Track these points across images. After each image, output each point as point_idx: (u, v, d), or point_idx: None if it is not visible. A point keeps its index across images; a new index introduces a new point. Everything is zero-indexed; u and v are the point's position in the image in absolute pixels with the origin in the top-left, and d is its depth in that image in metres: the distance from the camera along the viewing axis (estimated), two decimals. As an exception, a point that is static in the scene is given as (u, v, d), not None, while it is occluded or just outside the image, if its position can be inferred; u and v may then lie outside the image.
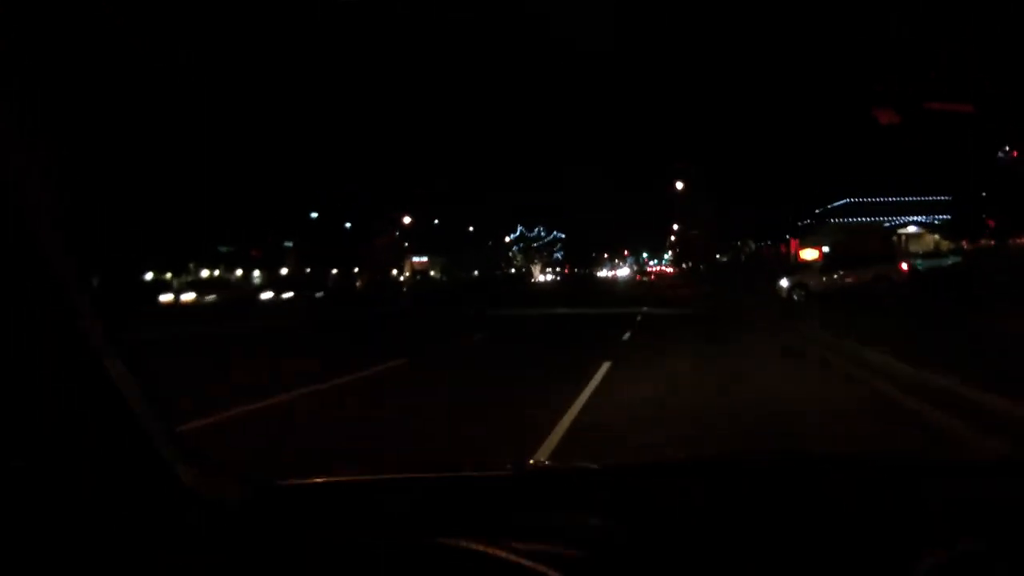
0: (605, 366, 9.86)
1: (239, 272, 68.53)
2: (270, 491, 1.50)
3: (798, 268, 31.48)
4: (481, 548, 1.18)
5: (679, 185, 65.15)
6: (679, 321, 19.46)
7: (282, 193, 63.24)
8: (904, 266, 24.89)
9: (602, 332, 16.43)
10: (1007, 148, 33.23)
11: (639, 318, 20.60)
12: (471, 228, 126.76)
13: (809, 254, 46.93)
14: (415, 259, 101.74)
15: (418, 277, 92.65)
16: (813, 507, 1.45)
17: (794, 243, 56.25)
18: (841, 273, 23.90)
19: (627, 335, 15.08)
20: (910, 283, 23.86)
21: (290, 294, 44.33)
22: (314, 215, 75.42)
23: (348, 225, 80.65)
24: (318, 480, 1.63)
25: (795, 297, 23.46)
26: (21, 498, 1.04)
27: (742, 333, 15.14)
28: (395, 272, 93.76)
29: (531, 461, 2.36)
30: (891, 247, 34.14)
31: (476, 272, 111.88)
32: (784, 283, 24.48)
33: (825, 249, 46.45)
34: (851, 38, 23.02)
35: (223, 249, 64.62)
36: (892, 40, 19.46)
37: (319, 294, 45.77)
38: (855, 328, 12.23)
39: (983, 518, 1.33)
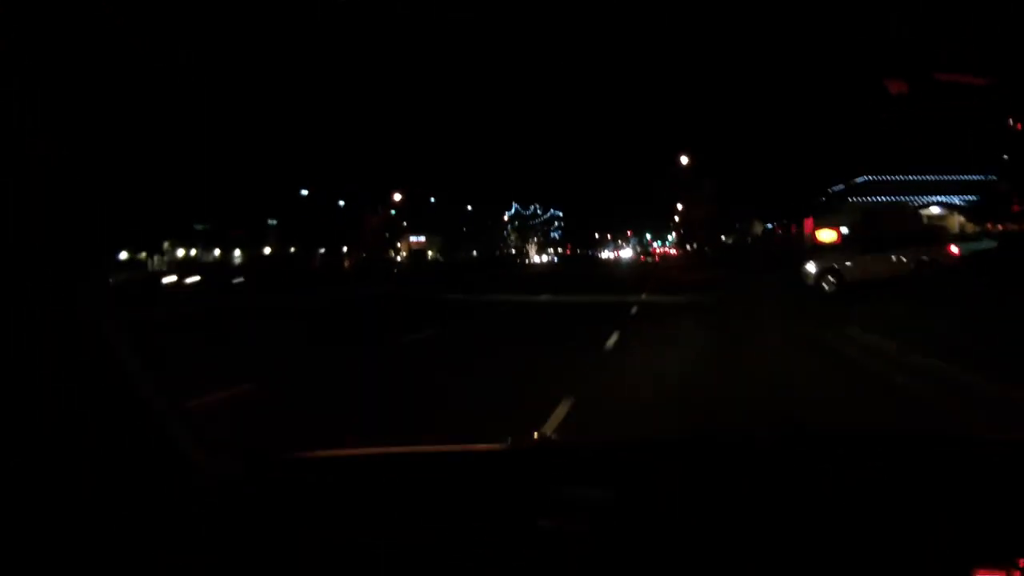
0: (563, 410, 5.89)
1: (217, 252, 64.58)
2: (272, 465, 1.51)
3: (823, 250, 27.37)
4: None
5: (684, 160, 60.74)
6: (683, 316, 15.28)
7: (267, 170, 59.55)
8: (954, 249, 20.75)
9: (584, 331, 12.48)
10: (1011, 120, 31.08)
11: (635, 310, 16.58)
12: (469, 207, 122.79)
13: (827, 235, 43.16)
14: (413, 239, 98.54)
15: (409, 258, 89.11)
16: (820, 484, 1.40)
17: (808, 223, 52.19)
18: (878, 256, 19.79)
19: (614, 338, 11.02)
20: (962, 268, 19.80)
21: (196, 278, 38.44)
22: (304, 192, 71.64)
23: (341, 203, 76.88)
24: (320, 453, 1.59)
25: (825, 286, 19.37)
26: (21, 495, 1.04)
27: (769, 336, 11.18)
28: (392, 252, 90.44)
29: (535, 434, 2.07)
30: (933, 227, 29.91)
31: (475, 252, 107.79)
32: (811, 267, 20.27)
33: (844, 230, 42.66)
34: (863, 10, 23.29)
35: (199, 227, 60.44)
36: (905, 13, 19.65)
37: (238, 279, 39.17)
38: (940, 340, 8.26)
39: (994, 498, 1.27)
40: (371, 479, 1.46)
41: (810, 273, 20.09)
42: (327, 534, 1.20)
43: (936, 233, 23.42)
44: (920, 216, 39.86)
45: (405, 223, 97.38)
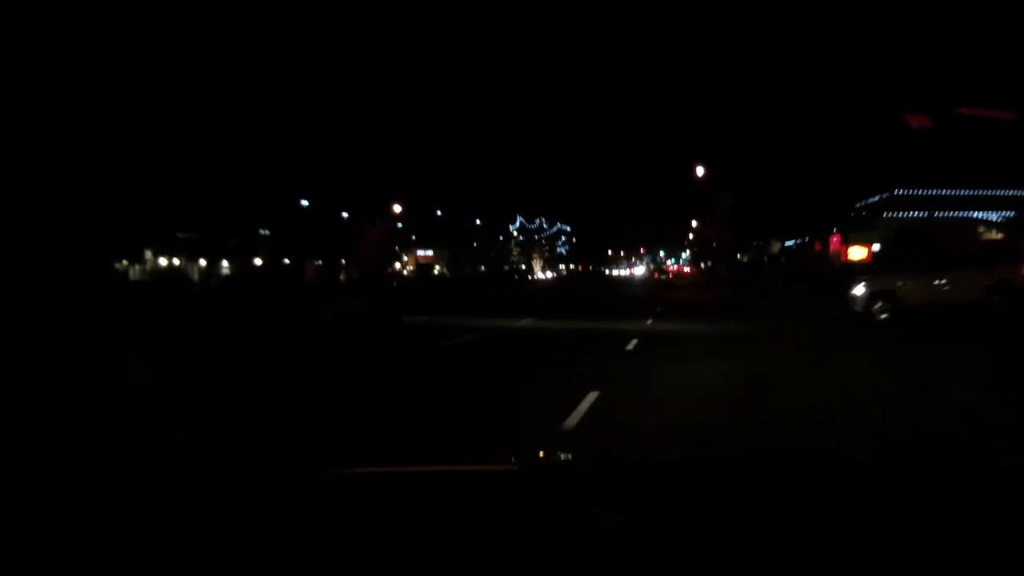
0: None
1: (203, 262, 61.33)
2: (283, 480, 1.50)
3: (872, 270, 23.48)
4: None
5: (700, 172, 57.02)
6: (698, 356, 11.32)
7: (262, 178, 56.51)
8: (1031, 268, 16.80)
9: (548, 384, 8.67)
10: None
11: (634, 344, 12.71)
12: (478, 221, 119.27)
13: (857, 252, 39.46)
14: (420, 253, 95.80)
15: (408, 273, 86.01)
16: (819, 505, 1.39)
17: (834, 240, 48.32)
18: (939, 277, 15.94)
19: (587, 403, 7.10)
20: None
21: None
22: (304, 203, 68.53)
23: (344, 215, 73.74)
24: (332, 471, 1.57)
25: (877, 313, 15.52)
26: (22, 494, 1.03)
27: (827, 394, 7.33)
28: (398, 265, 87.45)
29: (541, 453, 2.03)
30: (1006, 242, 25.89)
31: (483, 267, 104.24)
32: (859, 291, 16.35)
33: (875, 247, 38.88)
34: (887, 36, 22.70)
35: (181, 235, 57.11)
36: (927, 42, 19.60)
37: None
38: None
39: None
40: (375, 493, 1.42)
41: (858, 297, 16.22)
42: (326, 535, 1.19)
43: (1012, 249, 19.43)
44: (980, 231, 35.84)
45: (414, 237, 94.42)
